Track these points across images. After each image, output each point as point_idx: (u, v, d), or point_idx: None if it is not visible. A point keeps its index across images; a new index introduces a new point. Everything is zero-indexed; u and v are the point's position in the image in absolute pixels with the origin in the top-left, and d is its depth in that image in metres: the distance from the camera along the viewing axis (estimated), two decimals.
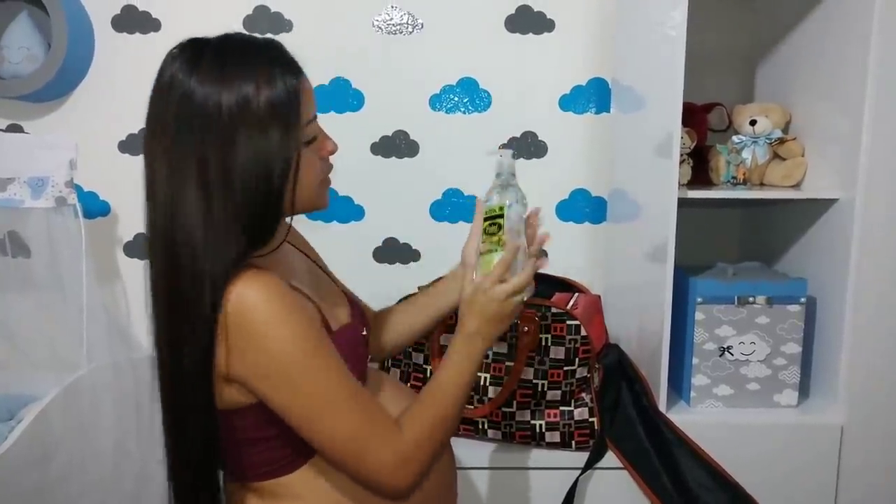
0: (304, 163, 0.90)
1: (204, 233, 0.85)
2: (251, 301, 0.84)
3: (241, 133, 0.84)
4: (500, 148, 1.08)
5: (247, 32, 0.94)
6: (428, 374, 1.44)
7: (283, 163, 0.86)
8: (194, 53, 0.87)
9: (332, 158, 1.00)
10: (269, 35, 1.67)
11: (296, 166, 0.88)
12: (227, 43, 0.89)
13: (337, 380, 0.88)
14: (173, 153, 0.85)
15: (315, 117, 0.93)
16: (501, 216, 1.00)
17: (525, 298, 1.01)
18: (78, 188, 1.53)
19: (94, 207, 1.75)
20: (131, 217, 1.76)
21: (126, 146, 1.74)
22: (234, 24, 1.70)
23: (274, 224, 0.90)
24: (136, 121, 1.69)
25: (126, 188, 1.68)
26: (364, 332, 1.06)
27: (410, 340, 1.25)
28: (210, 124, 0.84)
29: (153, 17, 1.71)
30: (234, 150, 0.84)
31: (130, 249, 1.78)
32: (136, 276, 1.76)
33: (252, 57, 0.87)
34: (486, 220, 1.02)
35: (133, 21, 1.71)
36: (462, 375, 0.96)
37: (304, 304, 0.93)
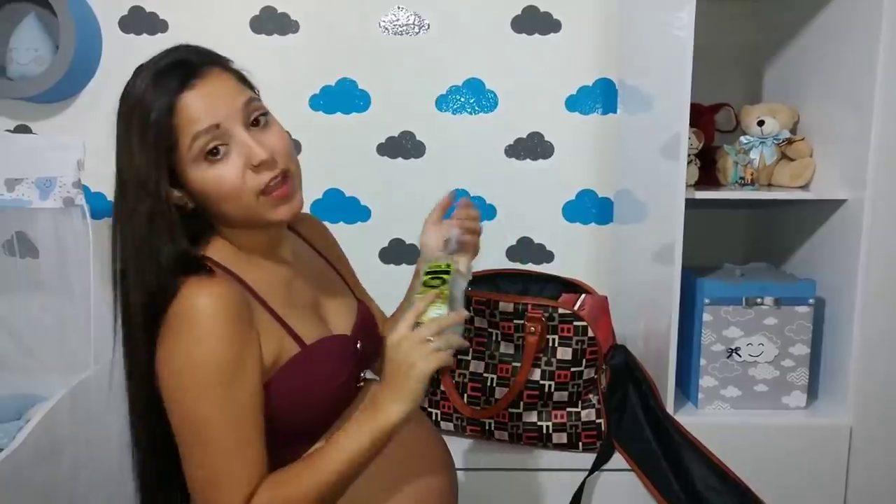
0: (203, 180, 0.88)
1: (140, 242, 0.88)
2: (195, 307, 0.84)
3: (127, 153, 0.88)
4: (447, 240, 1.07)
5: (192, 45, 0.94)
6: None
7: (155, 179, 0.86)
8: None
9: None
10: (275, 35, 1.69)
11: (177, 181, 0.87)
12: (141, 66, 0.91)
13: (221, 423, 0.84)
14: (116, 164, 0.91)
15: (211, 126, 0.86)
16: (448, 272, 0.95)
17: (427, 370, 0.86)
18: (85, 189, 1.54)
19: (102, 208, 1.75)
20: None
21: None
22: (240, 26, 1.71)
23: (188, 242, 0.89)
24: None
25: None
26: (358, 345, 1.02)
27: None
28: (119, 141, 0.90)
29: (160, 18, 1.71)
30: (123, 168, 0.89)
31: None
32: None
33: (148, 79, 0.87)
34: (427, 273, 0.96)
35: (140, 22, 1.71)
36: (358, 449, 0.86)
37: (249, 330, 0.87)
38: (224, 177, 0.87)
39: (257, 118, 0.90)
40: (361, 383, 1.03)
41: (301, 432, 0.93)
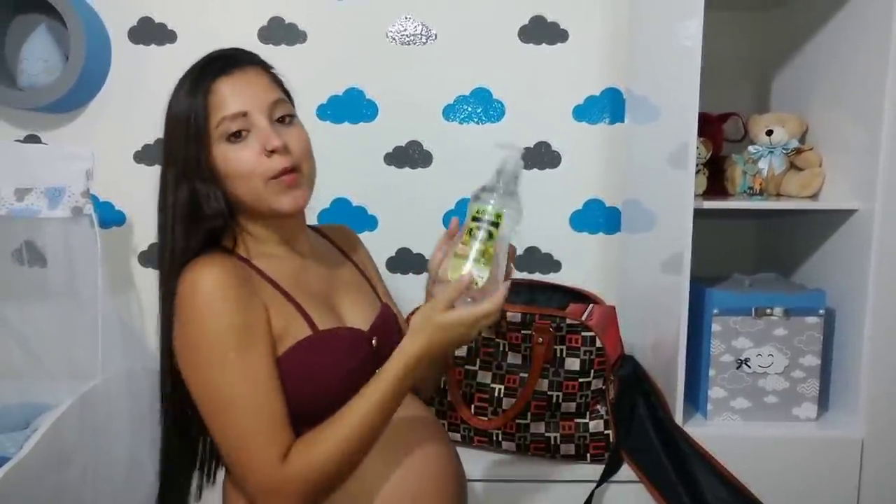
0: (223, 158, 0.94)
1: (166, 220, 0.97)
2: (199, 282, 0.90)
3: (167, 132, 0.97)
4: (507, 148, 0.93)
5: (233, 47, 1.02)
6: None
7: (191, 159, 0.94)
8: None
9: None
10: (283, 45, 1.70)
11: (208, 161, 0.94)
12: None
13: (242, 385, 0.89)
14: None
15: (238, 113, 0.94)
16: (496, 225, 0.88)
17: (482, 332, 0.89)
18: (94, 198, 1.54)
19: (110, 217, 1.76)
20: (146, 227, 1.77)
21: (141, 156, 1.75)
22: (249, 36, 1.71)
23: (215, 216, 0.95)
24: (151, 131, 1.71)
25: (141, 198, 1.68)
26: (374, 341, 1.03)
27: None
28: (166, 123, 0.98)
29: (169, 28, 1.72)
30: (165, 148, 0.97)
31: (145, 259, 1.78)
32: (150, 285, 1.74)
33: (197, 64, 0.97)
34: (473, 218, 0.89)
35: (149, 33, 1.72)
36: (386, 399, 0.91)
37: (252, 298, 0.92)
38: (240, 158, 0.94)
39: (283, 117, 0.98)
40: None
41: (308, 416, 0.94)
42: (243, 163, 0.94)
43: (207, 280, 0.89)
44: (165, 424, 1.02)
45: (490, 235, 0.87)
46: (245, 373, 0.88)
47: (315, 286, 1.04)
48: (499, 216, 0.88)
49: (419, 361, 0.91)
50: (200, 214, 0.95)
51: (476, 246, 0.88)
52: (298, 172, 0.97)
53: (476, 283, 0.87)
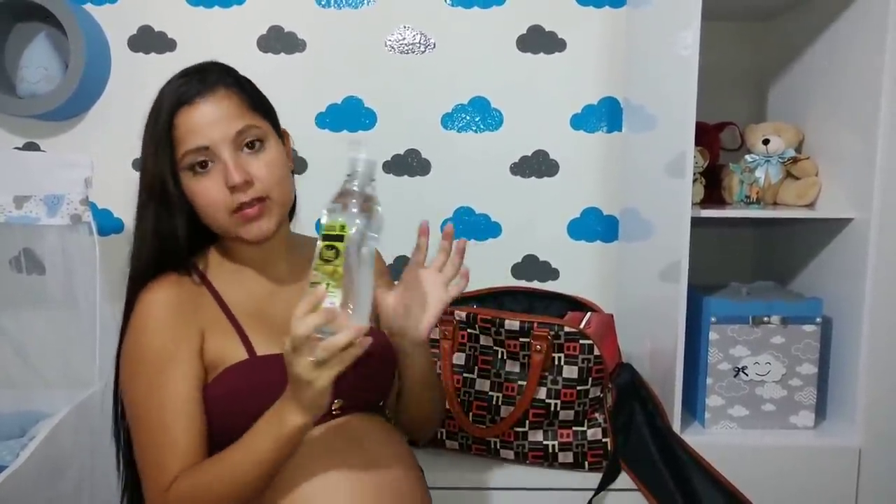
0: (189, 188, 0.96)
1: (134, 238, 1.00)
2: (142, 302, 0.96)
3: (141, 154, 0.98)
4: (351, 145, 0.84)
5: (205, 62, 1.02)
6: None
7: (157, 183, 0.95)
8: None
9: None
10: (282, 54, 1.71)
11: (177, 187, 0.95)
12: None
13: (149, 403, 0.92)
14: None
15: (201, 147, 0.94)
16: (341, 239, 0.77)
17: (330, 375, 0.77)
18: (93, 206, 1.54)
19: (108, 225, 1.76)
20: None
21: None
22: (248, 45, 1.72)
23: (173, 245, 0.97)
24: None
25: None
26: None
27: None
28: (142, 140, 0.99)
29: (169, 37, 1.73)
30: (140, 168, 0.99)
31: None
32: None
33: (166, 85, 0.97)
34: (324, 238, 0.79)
35: (149, 41, 1.73)
36: (260, 450, 0.87)
37: (187, 324, 0.94)
38: (203, 190, 0.95)
39: (252, 142, 0.96)
40: (336, 410, 0.99)
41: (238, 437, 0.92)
42: (206, 195, 0.95)
43: (147, 301, 0.95)
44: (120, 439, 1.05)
45: (337, 253, 0.77)
46: (153, 393, 0.92)
47: (280, 311, 1.00)
48: (343, 227, 0.78)
49: (287, 414, 0.85)
50: (163, 239, 0.97)
51: (325, 269, 0.77)
52: (265, 202, 0.96)
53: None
